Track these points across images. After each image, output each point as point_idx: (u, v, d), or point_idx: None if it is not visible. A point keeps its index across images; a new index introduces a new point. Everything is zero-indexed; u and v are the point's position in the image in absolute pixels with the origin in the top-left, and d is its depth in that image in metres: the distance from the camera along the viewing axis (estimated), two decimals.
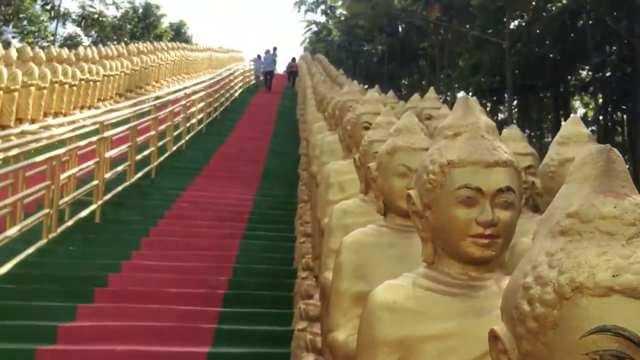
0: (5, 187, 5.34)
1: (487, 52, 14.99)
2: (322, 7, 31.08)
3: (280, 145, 13.71)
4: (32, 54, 10.93)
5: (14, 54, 10.34)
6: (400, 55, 22.54)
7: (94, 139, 6.59)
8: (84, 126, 6.24)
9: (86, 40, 32.49)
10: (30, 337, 4.05)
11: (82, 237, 6.19)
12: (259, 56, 26.49)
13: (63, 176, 5.70)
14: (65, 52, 12.82)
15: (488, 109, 18.82)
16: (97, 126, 6.64)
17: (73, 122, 6.81)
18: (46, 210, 5.43)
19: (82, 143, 6.25)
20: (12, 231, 4.87)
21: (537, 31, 14.60)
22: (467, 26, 17.32)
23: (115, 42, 25.92)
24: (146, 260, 5.83)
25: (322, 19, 31.38)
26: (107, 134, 6.74)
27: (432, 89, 4.65)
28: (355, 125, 2.65)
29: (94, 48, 15.29)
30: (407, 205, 1.19)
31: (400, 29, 17.10)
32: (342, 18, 25.11)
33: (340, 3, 25.01)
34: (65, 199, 5.93)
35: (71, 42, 29.09)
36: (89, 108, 13.36)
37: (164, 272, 5.54)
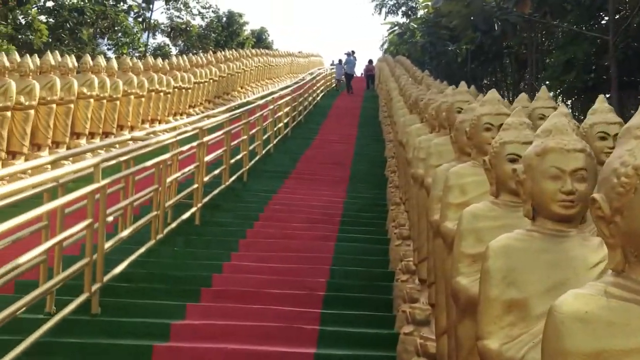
0: (117, 192, 5.63)
1: (580, 48, 14.33)
2: (403, 8, 30.92)
3: (365, 148, 13.73)
4: (131, 65, 11.52)
5: (115, 65, 10.92)
6: (484, 55, 22.00)
7: (194, 143, 6.85)
8: (186, 132, 6.49)
9: (174, 50, 33.88)
10: (146, 333, 4.25)
11: (184, 239, 6.44)
12: (340, 61, 26.78)
13: (168, 180, 5.95)
14: (159, 61, 13.41)
15: (578, 108, 18.02)
16: (196, 131, 6.88)
17: (174, 128, 7.10)
18: (154, 213, 5.69)
19: (184, 148, 6.51)
20: (125, 233, 5.13)
21: (635, 25, 13.83)
22: (557, 21, 16.65)
23: (200, 51, 26.90)
24: (245, 261, 5.98)
25: (403, 20, 31.19)
26: (205, 138, 6.98)
27: (544, 87, 4.49)
28: (476, 127, 2.61)
29: (184, 57, 15.89)
30: (590, 210, 1.16)
31: (496, 27, 16.65)
32: (425, 19, 24.82)
33: (427, 4, 24.69)
34: (170, 202, 6.18)
35: (160, 52, 30.39)
36: (181, 115, 13.91)
37: (263, 273, 5.66)
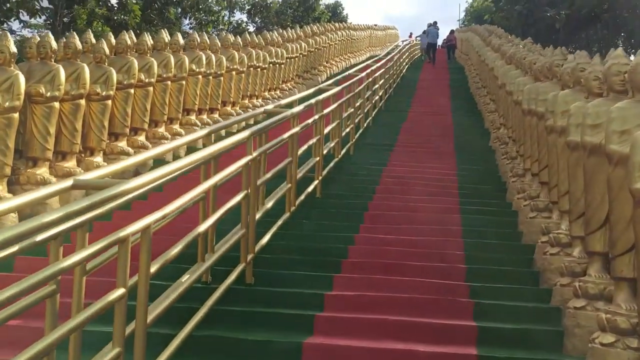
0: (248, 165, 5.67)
1: None
2: None
3: (463, 119, 13.40)
4: (231, 41, 11.65)
5: (217, 41, 11.07)
6: (577, 21, 20.88)
7: (316, 116, 6.84)
8: (310, 104, 6.48)
9: (251, 27, 34.14)
10: (303, 303, 4.29)
11: (311, 212, 6.47)
12: (424, 32, 26.36)
13: (299, 152, 5.97)
14: (255, 37, 13.50)
15: None
16: (316, 104, 6.85)
17: (295, 101, 7.11)
18: (288, 185, 5.73)
19: (309, 121, 6.51)
20: (269, 204, 5.20)
21: None
22: None
23: (278, 27, 26.94)
24: (375, 233, 5.95)
25: None
26: (325, 111, 6.96)
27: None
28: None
29: (277, 32, 15.95)
30: None
31: None
32: None
33: None
34: (300, 175, 6.22)
35: (238, 29, 30.70)
36: (275, 90, 14.00)
37: (397, 245, 5.62)
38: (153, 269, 2.97)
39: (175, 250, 3.26)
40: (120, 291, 2.68)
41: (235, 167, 4.21)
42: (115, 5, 21.81)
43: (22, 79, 5.88)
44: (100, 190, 2.70)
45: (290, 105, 6.80)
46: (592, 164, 3.91)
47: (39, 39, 6.79)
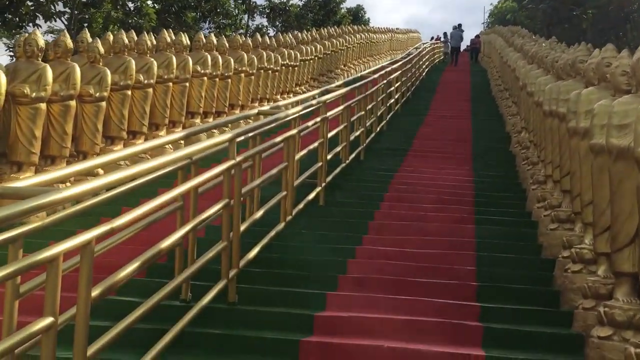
0: (244, 170, 5.24)
1: None
2: None
3: (483, 124, 12.82)
4: (240, 42, 11.27)
5: (225, 42, 10.69)
6: (606, 22, 20.09)
7: (318, 119, 6.38)
8: (311, 106, 6.03)
9: (271, 31, 33.85)
10: (289, 325, 3.83)
11: (311, 221, 6.01)
12: (445, 34, 26.01)
13: (296, 157, 5.52)
14: (267, 39, 13.12)
15: None
16: (318, 106, 6.41)
17: (296, 102, 6.67)
18: (283, 193, 5.28)
19: (309, 123, 6.06)
20: (259, 214, 4.75)
21: None
22: None
23: (297, 31, 26.57)
24: (379, 245, 5.46)
25: None
26: (329, 114, 6.50)
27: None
28: None
29: (294, 33, 15.58)
30: None
31: None
32: None
33: None
34: (297, 181, 5.77)
35: (259, 33, 30.40)
36: (289, 93, 13.58)
37: (401, 259, 5.12)
38: (95, 293, 2.53)
39: (128, 269, 2.82)
40: (47, 320, 2.25)
41: (214, 172, 3.77)
42: (132, 8, 21.70)
43: (2, 78, 5.53)
44: (26, 199, 2.28)
45: (290, 107, 6.35)
46: (618, 170, 3.38)
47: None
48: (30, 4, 18.47)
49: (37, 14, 19.28)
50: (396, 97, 13.10)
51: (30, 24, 19.40)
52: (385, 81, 11.42)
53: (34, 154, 6.05)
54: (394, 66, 13.18)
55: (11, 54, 18.95)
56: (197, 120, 9.38)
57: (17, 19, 18.94)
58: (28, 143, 5.96)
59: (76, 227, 4.19)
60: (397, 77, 13.34)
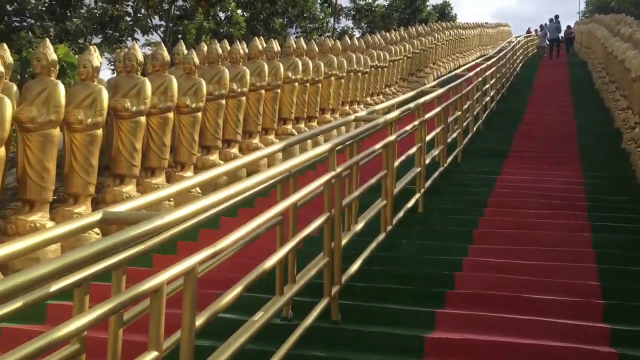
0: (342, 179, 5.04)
1: None
2: None
3: (588, 119, 11.98)
4: (330, 45, 11.13)
5: (315, 47, 10.59)
6: None
7: (416, 122, 6.08)
8: (408, 109, 5.74)
9: (357, 33, 33.69)
10: (397, 348, 3.59)
11: (411, 230, 5.73)
12: (540, 27, 24.97)
13: (396, 164, 5.26)
14: (355, 41, 12.92)
15: None
16: (417, 108, 6.11)
17: (392, 106, 6.41)
18: (383, 202, 5.04)
19: (407, 127, 5.78)
20: (359, 226, 4.54)
21: None
22: None
23: (384, 32, 26.22)
24: (486, 256, 5.09)
25: None
26: (427, 115, 6.19)
27: None
28: None
29: (382, 34, 15.31)
30: None
31: None
32: None
33: None
34: (397, 189, 5.50)
35: (344, 36, 30.35)
36: (378, 95, 13.31)
37: (513, 272, 4.73)
38: (199, 322, 2.40)
39: (232, 294, 2.69)
40: (152, 355, 2.14)
41: (314, 186, 3.59)
42: (223, 18, 22.22)
43: (105, 94, 5.65)
44: (132, 224, 2.18)
45: (387, 111, 6.10)
46: None
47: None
48: (128, 19, 19.32)
49: (135, 29, 20.17)
50: (491, 94, 12.52)
51: (130, 38, 20.34)
52: (480, 79, 10.90)
53: (135, 166, 6.15)
54: (489, 62, 12.59)
55: (112, 67, 19.94)
56: (289, 126, 9.32)
57: (117, 33, 19.91)
58: (129, 156, 6.07)
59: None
60: (492, 74, 12.75)
